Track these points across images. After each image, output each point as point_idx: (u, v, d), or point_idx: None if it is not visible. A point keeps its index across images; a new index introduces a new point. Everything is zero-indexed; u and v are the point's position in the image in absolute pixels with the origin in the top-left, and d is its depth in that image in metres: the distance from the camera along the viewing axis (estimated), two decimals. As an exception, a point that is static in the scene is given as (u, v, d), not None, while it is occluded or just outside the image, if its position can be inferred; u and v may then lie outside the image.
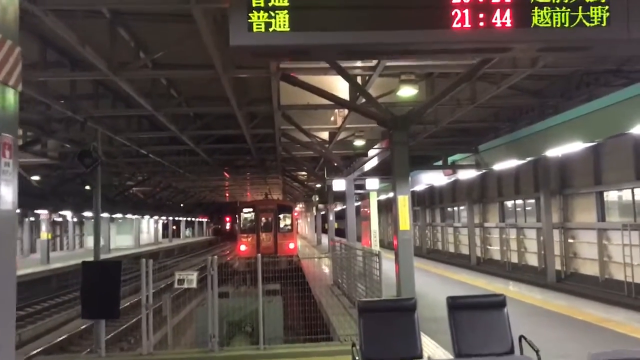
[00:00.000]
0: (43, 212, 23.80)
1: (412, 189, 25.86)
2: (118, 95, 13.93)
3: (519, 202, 21.12)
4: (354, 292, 9.19)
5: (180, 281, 6.21)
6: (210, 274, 6.29)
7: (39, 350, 12.26)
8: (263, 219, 25.55)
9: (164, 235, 54.38)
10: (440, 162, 16.76)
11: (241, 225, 25.91)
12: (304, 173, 32.62)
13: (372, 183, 17.63)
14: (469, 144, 15.84)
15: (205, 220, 76.18)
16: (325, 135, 19.17)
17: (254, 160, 24.28)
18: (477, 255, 24.31)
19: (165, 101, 13.41)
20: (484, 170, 16.25)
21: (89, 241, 40.38)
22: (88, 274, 6.13)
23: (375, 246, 12.06)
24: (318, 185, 32.43)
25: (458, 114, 12.27)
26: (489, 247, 23.94)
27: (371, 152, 17.23)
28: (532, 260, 19.66)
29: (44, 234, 23.97)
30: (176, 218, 58.28)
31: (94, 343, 6.87)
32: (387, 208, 37.32)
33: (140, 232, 42.78)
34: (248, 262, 9.64)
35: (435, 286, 13.76)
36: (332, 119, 17.43)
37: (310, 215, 43.13)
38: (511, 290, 14.19)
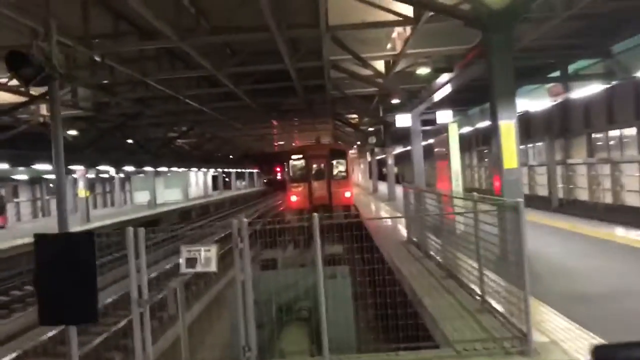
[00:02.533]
0: (79, 168, 22.36)
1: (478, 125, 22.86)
2: (143, 30, 11.94)
3: (614, 133, 17.91)
4: (447, 259, 6.62)
5: (190, 261, 3.82)
6: (238, 247, 3.92)
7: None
8: (314, 165, 23.15)
9: (215, 188, 53.43)
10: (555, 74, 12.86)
11: (291, 174, 23.60)
12: (356, 116, 30.09)
13: (445, 116, 14.77)
14: (594, 47, 11.98)
15: (256, 171, 75.21)
16: (381, 65, 16.53)
17: (301, 103, 22.01)
18: (560, 197, 21.35)
19: (193, 32, 11.35)
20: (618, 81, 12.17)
21: (138, 197, 39.72)
22: (45, 255, 3.80)
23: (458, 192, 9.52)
24: (372, 129, 29.85)
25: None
26: (573, 187, 20.99)
27: (440, 81, 14.46)
28: (633, 200, 16.64)
29: (81, 192, 22.60)
30: (225, 170, 57.27)
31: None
32: (465, 147, 33.94)
33: (189, 186, 41.66)
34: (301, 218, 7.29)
35: (542, 239, 10.14)
36: (390, 45, 14.79)
37: (363, 161, 40.77)
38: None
